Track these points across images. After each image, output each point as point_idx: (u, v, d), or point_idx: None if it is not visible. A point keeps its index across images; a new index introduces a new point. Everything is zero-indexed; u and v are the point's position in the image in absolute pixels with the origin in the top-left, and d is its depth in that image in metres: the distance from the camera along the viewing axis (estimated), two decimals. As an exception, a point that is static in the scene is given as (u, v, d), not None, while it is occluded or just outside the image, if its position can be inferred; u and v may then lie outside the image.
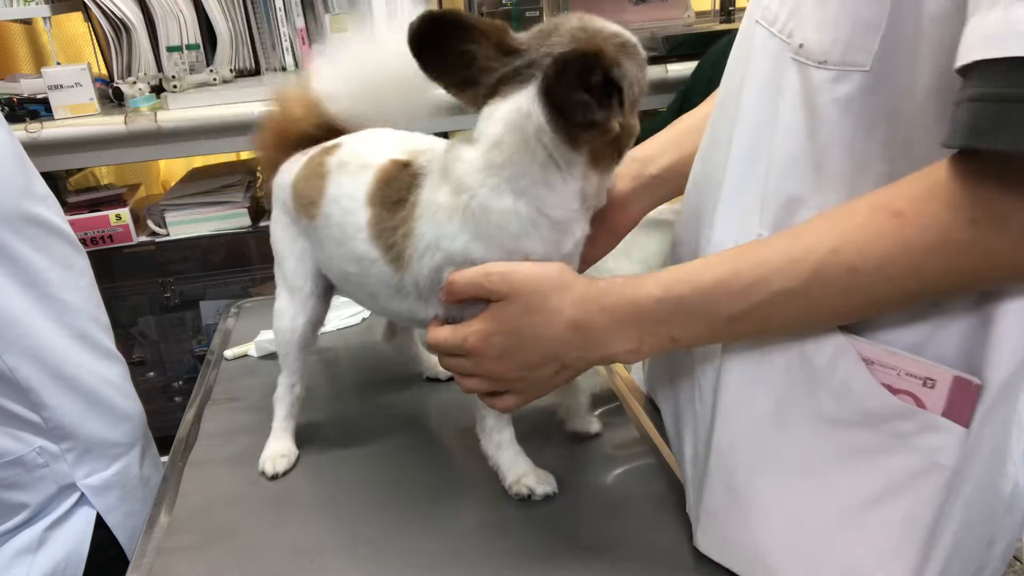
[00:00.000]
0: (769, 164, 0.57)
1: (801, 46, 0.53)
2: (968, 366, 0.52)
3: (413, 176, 0.71)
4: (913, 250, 0.48)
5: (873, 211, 0.49)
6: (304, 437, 0.90)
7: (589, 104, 0.61)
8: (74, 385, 0.97)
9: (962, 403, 0.52)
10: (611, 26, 0.65)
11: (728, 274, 0.55)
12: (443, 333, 0.69)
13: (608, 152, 0.66)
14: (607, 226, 0.77)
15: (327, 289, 0.87)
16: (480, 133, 0.66)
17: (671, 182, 0.79)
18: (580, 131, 0.63)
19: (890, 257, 0.49)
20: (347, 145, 0.80)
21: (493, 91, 0.65)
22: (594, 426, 0.88)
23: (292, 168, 0.85)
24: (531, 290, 0.64)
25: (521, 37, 0.66)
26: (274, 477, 0.84)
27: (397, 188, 0.72)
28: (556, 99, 0.61)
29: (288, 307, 0.87)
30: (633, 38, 0.66)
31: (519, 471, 0.77)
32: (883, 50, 0.49)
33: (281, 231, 0.87)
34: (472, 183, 0.65)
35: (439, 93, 0.70)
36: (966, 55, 0.42)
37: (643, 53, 0.66)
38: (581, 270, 0.74)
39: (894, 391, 0.54)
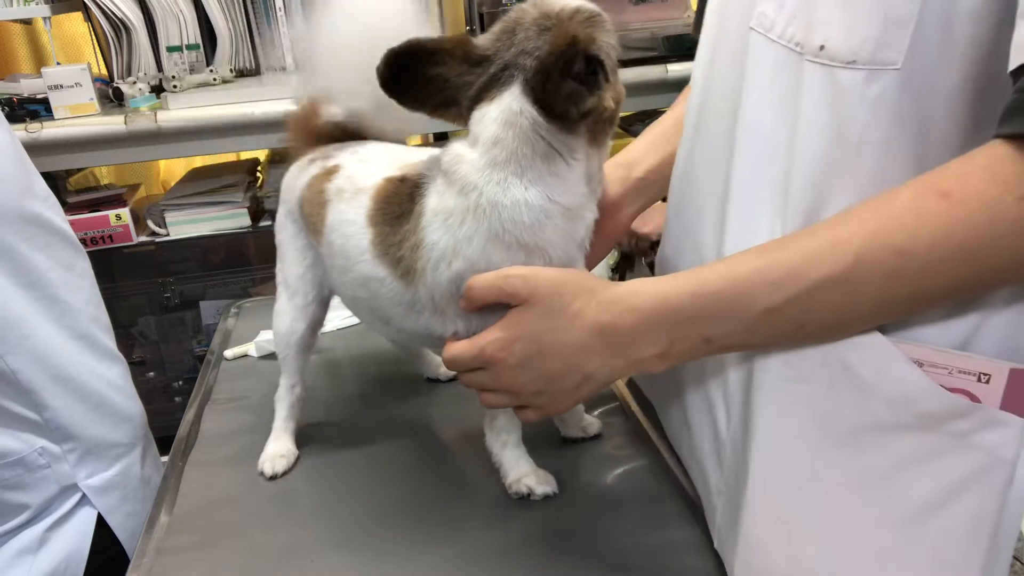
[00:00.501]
0: (789, 170, 0.55)
1: (822, 48, 0.52)
2: (1019, 358, 0.51)
3: (413, 187, 0.70)
4: (962, 229, 0.46)
5: (919, 192, 0.48)
6: (304, 437, 0.90)
7: (579, 92, 0.61)
8: (75, 386, 0.97)
9: (1019, 394, 0.51)
10: (566, 1, 0.65)
11: (765, 264, 0.53)
12: (459, 347, 0.67)
13: (604, 126, 0.67)
14: (601, 232, 0.75)
15: (328, 296, 0.88)
16: (477, 136, 0.66)
17: (657, 184, 0.79)
18: (576, 118, 0.63)
19: (940, 238, 0.47)
20: (343, 170, 0.79)
21: (477, 100, 0.66)
22: (593, 428, 0.88)
23: (301, 177, 0.84)
24: (552, 293, 0.62)
25: (484, 42, 0.66)
26: (273, 477, 0.84)
27: (397, 203, 0.71)
28: (547, 100, 0.62)
29: (288, 310, 0.87)
30: (589, 4, 0.66)
31: (521, 471, 0.77)
32: (914, 47, 0.48)
33: (289, 237, 0.86)
34: (479, 181, 0.65)
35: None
36: None
37: (603, 14, 0.66)
38: None
39: (947, 390, 0.52)
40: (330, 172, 0.79)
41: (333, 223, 0.76)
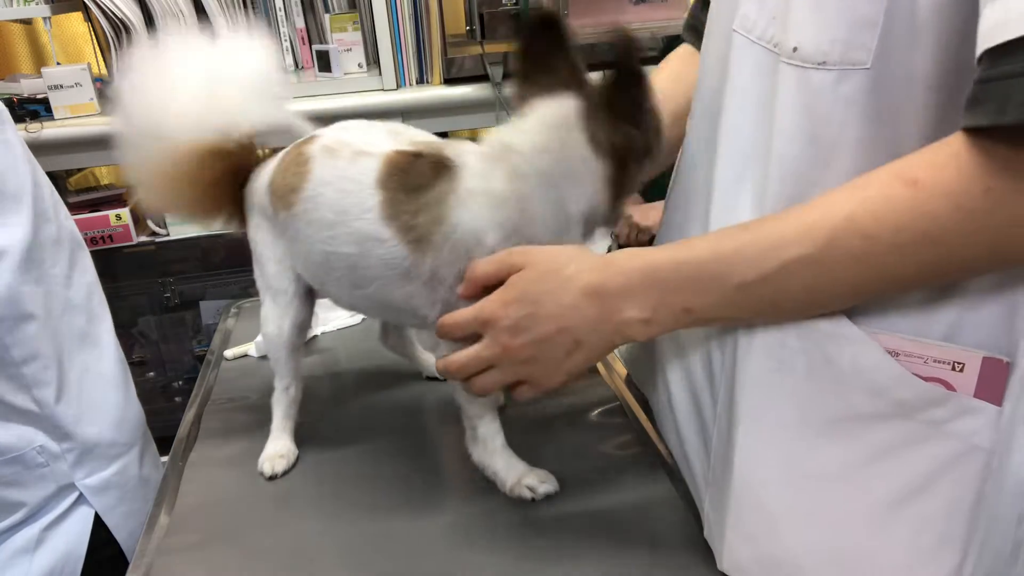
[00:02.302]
0: (766, 170, 0.57)
1: (795, 49, 0.53)
2: (998, 349, 0.52)
3: (437, 164, 0.71)
4: (927, 217, 0.48)
5: (889, 179, 0.49)
6: (303, 437, 0.90)
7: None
8: (76, 384, 0.97)
9: (993, 383, 0.52)
10: None
11: (745, 242, 0.55)
12: (460, 313, 0.68)
13: (631, 171, 0.70)
14: None
15: (309, 289, 0.87)
16: (525, 133, 0.70)
17: None
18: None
19: (905, 224, 0.48)
20: (326, 135, 0.79)
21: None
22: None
23: (265, 171, 0.84)
24: (549, 258, 0.64)
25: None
26: (273, 477, 0.84)
27: (418, 175, 0.72)
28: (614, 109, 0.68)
29: (272, 311, 0.87)
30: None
31: (517, 473, 0.77)
32: (882, 46, 0.49)
33: (262, 235, 0.86)
34: (522, 174, 0.69)
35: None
36: (993, 37, 0.43)
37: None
38: None
39: (923, 379, 0.54)
40: (306, 142, 0.79)
41: (324, 178, 0.75)
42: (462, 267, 0.69)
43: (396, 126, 0.80)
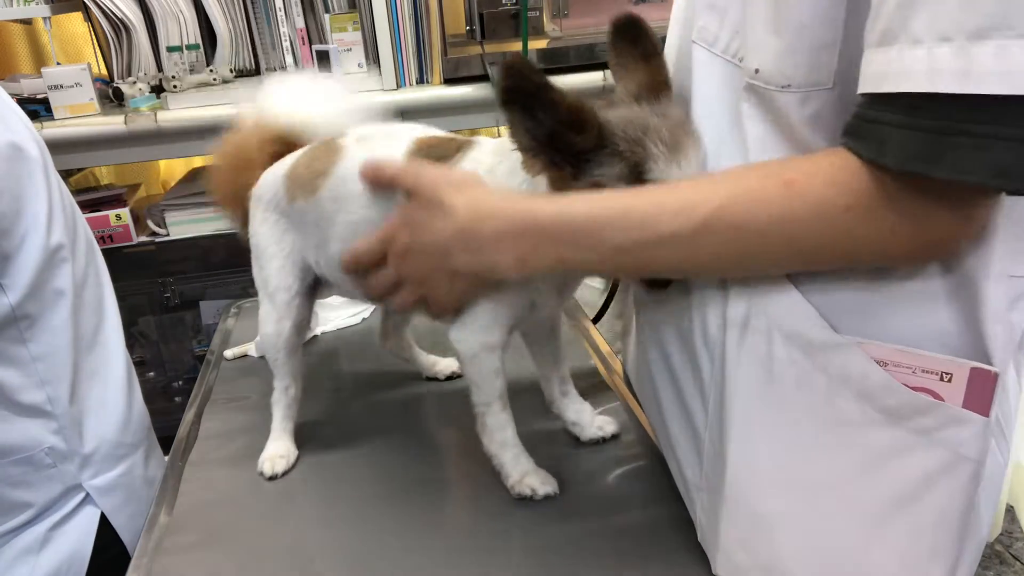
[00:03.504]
0: None
1: (757, 71, 0.53)
2: (985, 360, 0.53)
3: (462, 145, 0.74)
4: (792, 220, 0.51)
5: (768, 176, 0.52)
6: (304, 437, 0.90)
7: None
8: (86, 384, 0.97)
9: (981, 393, 0.52)
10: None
11: (625, 207, 0.57)
12: (364, 240, 0.72)
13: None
14: None
15: (311, 288, 0.88)
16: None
17: None
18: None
19: (771, 222, 0.52)
20: (356, 131, 0.82)
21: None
22: (609, 427, 0.87)
23: (279, 167, 0.86)
24: (431, 186, 0.65)
25: (609, 115, 0.63)
26: (273, 477, 0.84)
27: (443, 149, 0.74)
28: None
29: (271, 312, 0.87)
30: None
31: (522, 470, 0.77)
32: (843, 66, 0.50)
33: (268, 230, 0.87)
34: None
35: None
36: (876, 85, 0.46)
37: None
38: None
39: (911, 389, 0.54)
40: (333, 138, 0.83)
41: (358, 156, 0.77)
42: None
43: (418, 126, 0.82)
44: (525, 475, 0.77)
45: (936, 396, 0.54)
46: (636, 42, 0.67)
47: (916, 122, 0.44)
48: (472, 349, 0.75)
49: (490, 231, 0.61)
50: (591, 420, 0.87)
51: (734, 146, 0.57)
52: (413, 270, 0.69)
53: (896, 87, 0.44)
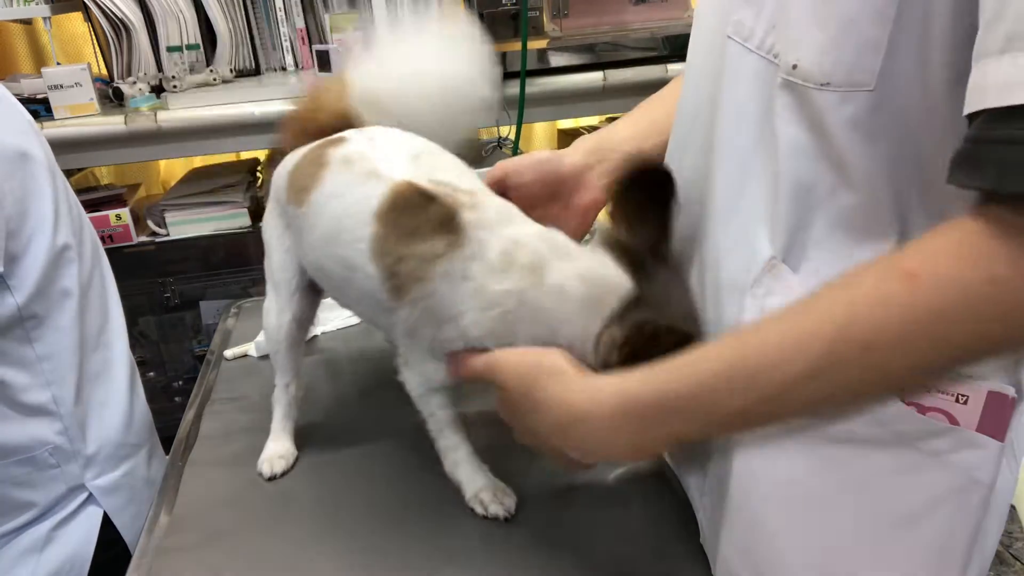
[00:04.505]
0: (776, 184, 0.55)
1: (795, 67, 0.51)
2: (1005, 382, 0.51)
3: (445, 223, 0.67)
4: (930, 317, 0.43)
5: (884, 275, 0.45)
6: (304, 437, 0.90)
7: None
8: (90, 385, 0.97)
9: (997, 417, 0.51)
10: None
11: (730, 365, 0.50)
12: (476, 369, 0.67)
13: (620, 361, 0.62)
14: (565, 206, 0.75)
15: (312, 284, 0.87)
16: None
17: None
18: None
19: (906, 327, 0.43)
20: (352, 142, 0.78)
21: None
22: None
23: (292, 159, 0.84)
24: (515, 381, 0.62)
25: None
26: (272, 478, 0.84)
27: (417, 221, 0.68)
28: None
29: (274, 304, 0.87)
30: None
31: (475, 487, 0.77)
32: (887, 69, 0.48)
33: (273, 222, 0.87)
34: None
35: (479, 98, 0.71)
36: (1001, 98, 0.39)
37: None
38: None
39: (924, 409, 0.52)
40: (335, 142, 0.79)
41: (333, 190, 0.74)
42: (438, 333, 0.69)
43: (425, 147, 0.77)
44: (479, 491, 0.77)
45: (950, 417, 0.52)
46: (656, 194, 0.62)
47: None
48: (419, 390, 0.77)
49: (591, 431, 0.56)
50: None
51: (765, 151, 0.55)
52: (530, 437, 0.64)
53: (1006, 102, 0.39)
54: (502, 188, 0.79)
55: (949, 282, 0.42)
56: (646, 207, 0.63)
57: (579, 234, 0.79)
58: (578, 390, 0.57)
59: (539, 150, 0.78)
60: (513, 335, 0.65)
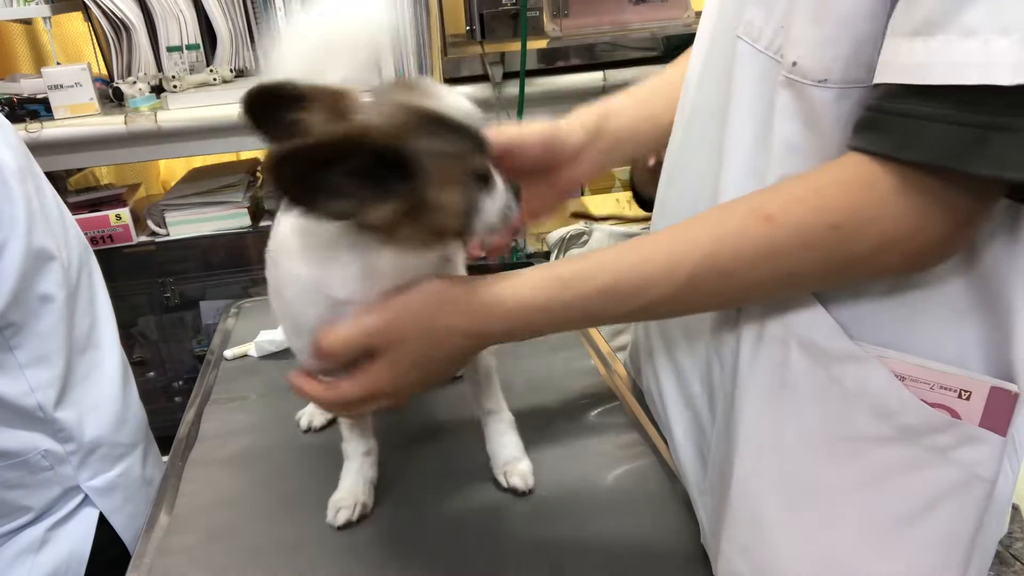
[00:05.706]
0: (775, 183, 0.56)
1: (795, 64, 0.52)
2: (1004, 373, 0.52)
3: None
4: (780, 254, 0.51)
5: (748, 214, 0.52)
6: (303, 437, 0.90)
7: (334, 190, 0.54)
8: (79, 386, 0.97)
9: (999, 412, 0.51)
10: (433, 100, 0.60)
11: (611, 282, 0.58)
12: (345, 388, 0.63)
13: (409, 231, 0.58)
14: (551, 181, 0.74)
15: None
16: None
17: (627, 144, 0.78)
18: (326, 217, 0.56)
19: (760, 260, 0.52)
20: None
21: None
22: (521, 483, 0.78)
23: None
24: (418, 322, 0.61)
25: (365, 103, 0.59)
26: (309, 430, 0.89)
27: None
28: (283, 189, 0.54)
29: None
30: (446, 111, 0.60)
31: (337, 496, 0.78)
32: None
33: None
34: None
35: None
36: (917, 76, 0.44)
37: (461, 123, 0.61)
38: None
39: (928, 405, 0.53)
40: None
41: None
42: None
43: None
44: (339, 504, 0.76)
45: (953, 413, 0.52)
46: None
47: (961, 116, 0.43)
48: None
49: (496, 333, 0.62)
50: (503, 463, 0.80)
51: (765, 148, 0.56)
52: (411, 386, 0.64)
53: (945, 79, 0.43)
54: (505, 158, 0.76)
55: (799, 225, 0.50)
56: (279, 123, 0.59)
57: (550, 204, 0.79)
58: (478, 307, 0.61)
59: (540, 121, 0.76)
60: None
